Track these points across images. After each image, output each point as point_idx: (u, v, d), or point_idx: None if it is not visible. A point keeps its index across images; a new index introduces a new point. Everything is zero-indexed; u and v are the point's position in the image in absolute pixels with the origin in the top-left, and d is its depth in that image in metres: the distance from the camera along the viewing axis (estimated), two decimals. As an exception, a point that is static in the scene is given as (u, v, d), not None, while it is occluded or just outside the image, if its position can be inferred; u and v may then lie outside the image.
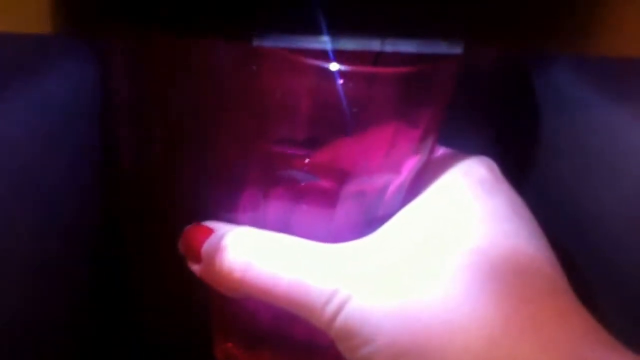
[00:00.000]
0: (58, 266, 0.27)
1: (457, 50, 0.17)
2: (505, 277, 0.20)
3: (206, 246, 0.22)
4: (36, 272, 0.26)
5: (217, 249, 0.22)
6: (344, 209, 0.22)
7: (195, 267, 0.23)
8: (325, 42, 0.18)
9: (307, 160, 0.21)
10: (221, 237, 0.22)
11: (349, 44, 0.18)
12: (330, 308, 0.20)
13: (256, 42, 0.18)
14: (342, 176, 0.22)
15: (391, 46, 0.17)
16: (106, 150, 0.29)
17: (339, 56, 0.20)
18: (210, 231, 0.23)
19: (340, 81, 0.20)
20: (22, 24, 0.19)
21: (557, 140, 0.26)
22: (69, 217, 0.27)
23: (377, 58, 0.21)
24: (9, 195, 0.23)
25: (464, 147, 0.24)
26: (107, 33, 0.22)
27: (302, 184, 0.22)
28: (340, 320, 0.20)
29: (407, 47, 0.17)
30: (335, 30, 0.17)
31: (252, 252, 0.21)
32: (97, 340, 0.33)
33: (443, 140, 0.24)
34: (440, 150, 0.25)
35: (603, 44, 0.16)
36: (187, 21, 0.18)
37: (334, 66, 0.20)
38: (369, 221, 0.22)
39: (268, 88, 0.21)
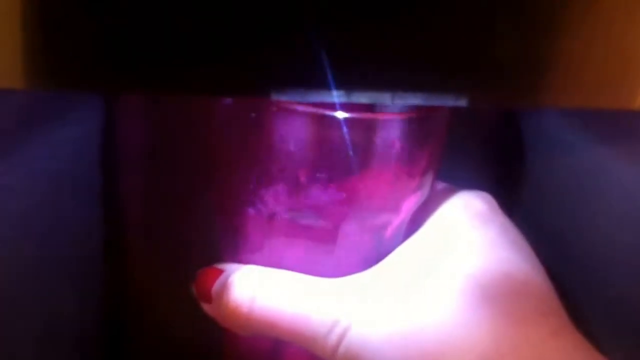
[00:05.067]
0: (63, 315, 0.27)
1: (462, 103, 0.19)
2: (498, 300, 0.22)
3: (216, 286, 0.24)
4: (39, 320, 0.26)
5: (224, 287, 0.24)
6: (346, 246, 0.24)
7: (207, 307, 0.25)
8: (339, 95, 0.19)
9: (311, 200, 0.22)
10: (228, 276, 0.24)
11: (362, 98, 0.19)
12: (332, 338, 0.22)
13: (274, 97, 0.19)
14: (344, 215, 0.23)
15: (400, 99, 0.19)
16: (111, 200, 0.29)
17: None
18: (220, 272, 0.25)
19: (345, 128, 0.21)
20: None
21: (547, 179, 0.28)
22: (73, 266, 0.28)
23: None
24: (13, 238, 0.23)
25: (462, 184, 0.25)
26: (114, 88, 0.22)
27: (306, 223, 0.23)
28: (342, 348, 0.22)
29: (415, 100, 0.19)
30: (350, 85, 0.19)
31: (257, 288, 0.23)
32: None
33: (443, 178, 0.26)
34: (440, 186, 0.26)
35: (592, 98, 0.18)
36: (203, 78, 0.19)
37: (338, 114, 0.21)
38: (371, 256, 0.24)
39: (273, 135, 0.22)
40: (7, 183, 0.22)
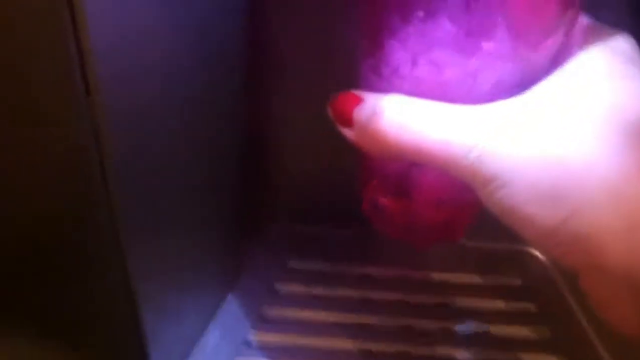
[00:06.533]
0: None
1: None
2: (635, 132, 0.22)
3: (359, 112, 0.26)
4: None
5: (372, 114, 0.25)
6: (489, 72, 0.24)
7: (347, 131, 0.26)
8: None
9: (459, 22, 0.23)
10: (375, 103, 0.25)
11: None
12: (472, 158, 0.23)
13: None
14: (490, 37, 0.23)
15: None
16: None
17: None
18: (359, 99, 0.26)
19: None
20: None
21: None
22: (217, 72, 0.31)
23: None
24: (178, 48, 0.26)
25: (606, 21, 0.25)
26: None
27: (450, 47, 0.24)
28: (480, 167, 0.23)
29: None
30: None
31: (405, 116, 0.24)
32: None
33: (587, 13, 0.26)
34: (584, 23, 0.26)
35: None
36: None
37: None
38: (513, 86, 0.24)
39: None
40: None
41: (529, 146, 0.22)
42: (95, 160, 0.22)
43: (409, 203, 0.29)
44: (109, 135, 0.22)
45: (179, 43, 0.26)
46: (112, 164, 0.23)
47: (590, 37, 0.25)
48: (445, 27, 0.23)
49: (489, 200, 0.23)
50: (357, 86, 0.27)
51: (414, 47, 0.24)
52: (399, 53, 0.25)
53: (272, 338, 0.36)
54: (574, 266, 0.23)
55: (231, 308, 0.38)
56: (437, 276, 0.41)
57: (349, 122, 0.26)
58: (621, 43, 0.25)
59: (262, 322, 0.38)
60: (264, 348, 0.36)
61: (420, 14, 0.23)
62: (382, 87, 0.26)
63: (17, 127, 0.22)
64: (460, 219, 0.29)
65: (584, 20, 0.26)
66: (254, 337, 0.36)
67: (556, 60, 0.25)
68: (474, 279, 0.41)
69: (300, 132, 0.40)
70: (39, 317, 0.28)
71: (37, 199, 0.24)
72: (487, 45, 0.23)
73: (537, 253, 0.43)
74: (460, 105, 0.24)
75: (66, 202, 0.24)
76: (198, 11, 0.27)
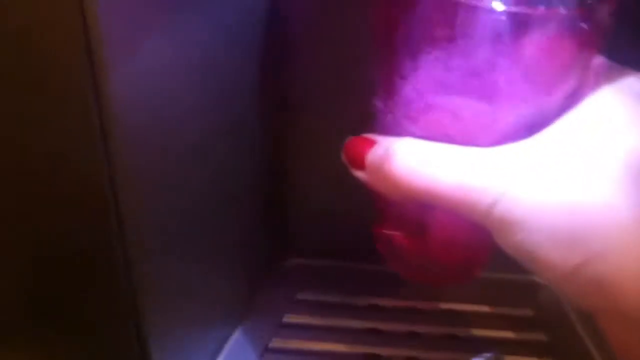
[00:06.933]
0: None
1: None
2: None
3: (372, 155, 0.26)
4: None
5: (385, 157, 0.25)
6: (504, 114, 0.24)
7: (360, 174, 0.26)
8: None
9: (473, 63, 0.23)
10: (388, 147, 0.25)
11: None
12: (487, 202, 0.23)
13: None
14: (507, 79, 0.23)
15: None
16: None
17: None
18: (372, 142, 0.26)
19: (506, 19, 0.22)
20: None
21: None
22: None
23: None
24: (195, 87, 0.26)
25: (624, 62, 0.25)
26: None
27: (467, 89, 0.24)
28: (496, 211, 0.23)
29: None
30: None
31: (418, 159, 0.24)
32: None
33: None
34: (600, 63, 0.26)
35: None
36: None
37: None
38: (528, 127, 0.24)
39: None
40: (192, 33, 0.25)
41: (547, 190, 0.22)
42: (111, 198, 0.22)
43: (423, 242, 0.28)
44: (125, 175, 0.22)
45: (200, 99, 0.27)
46: (127, 203, 0.23)
47: (604, 77, 0.25)
48: (459, 71, 0.23)
49: (505, 244, 0.23)
50: (373, 125, 0.27)
51: (428, 90, 0.24)
52: (414, 96, 0.25)
53: (281, 371, 0.36)
54: (593, 308, 0.23)
55: (240, 341, 0.37)
56: (447, 307, 0.41)
57: (361, 165, 0.26)
58: (635, 83, 0.25)
59: (271, 354, 0.37)
60: (273, 381, 0.35)
61: (435, 57, 0.23)
62: (397, 130, 0.26)
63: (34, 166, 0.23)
64: (475, 259, 0.29)
65: (598, 59, 0.26)
66: (263, 370, 0.36)
67: (571, 99, 0.24)
68: (485, 309, 0.41)
69: (312, 168, 0.40)
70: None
71: (51, 237, 0.24)
72: (502, 89, 0.23)
73: (548, 283, 0.42)
74: (474, 147, 0.24)
75: (80, 240, 0.24)
76: (220, 65, 0.28)
